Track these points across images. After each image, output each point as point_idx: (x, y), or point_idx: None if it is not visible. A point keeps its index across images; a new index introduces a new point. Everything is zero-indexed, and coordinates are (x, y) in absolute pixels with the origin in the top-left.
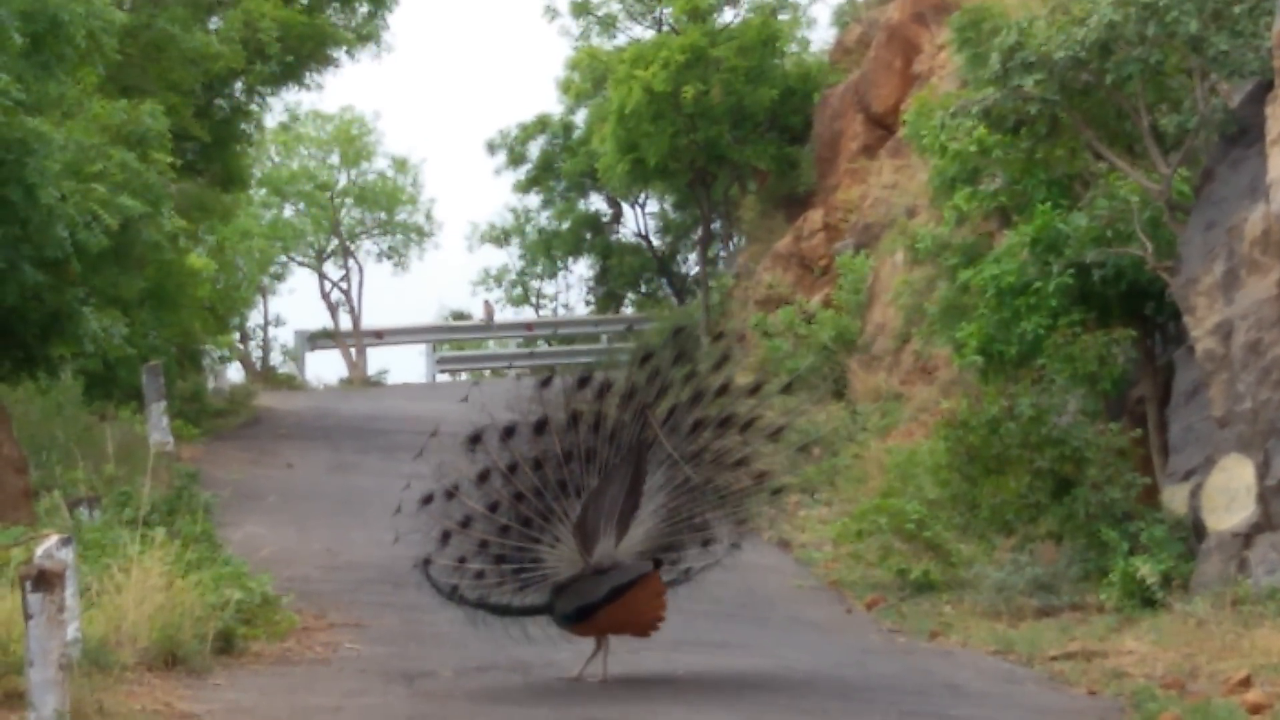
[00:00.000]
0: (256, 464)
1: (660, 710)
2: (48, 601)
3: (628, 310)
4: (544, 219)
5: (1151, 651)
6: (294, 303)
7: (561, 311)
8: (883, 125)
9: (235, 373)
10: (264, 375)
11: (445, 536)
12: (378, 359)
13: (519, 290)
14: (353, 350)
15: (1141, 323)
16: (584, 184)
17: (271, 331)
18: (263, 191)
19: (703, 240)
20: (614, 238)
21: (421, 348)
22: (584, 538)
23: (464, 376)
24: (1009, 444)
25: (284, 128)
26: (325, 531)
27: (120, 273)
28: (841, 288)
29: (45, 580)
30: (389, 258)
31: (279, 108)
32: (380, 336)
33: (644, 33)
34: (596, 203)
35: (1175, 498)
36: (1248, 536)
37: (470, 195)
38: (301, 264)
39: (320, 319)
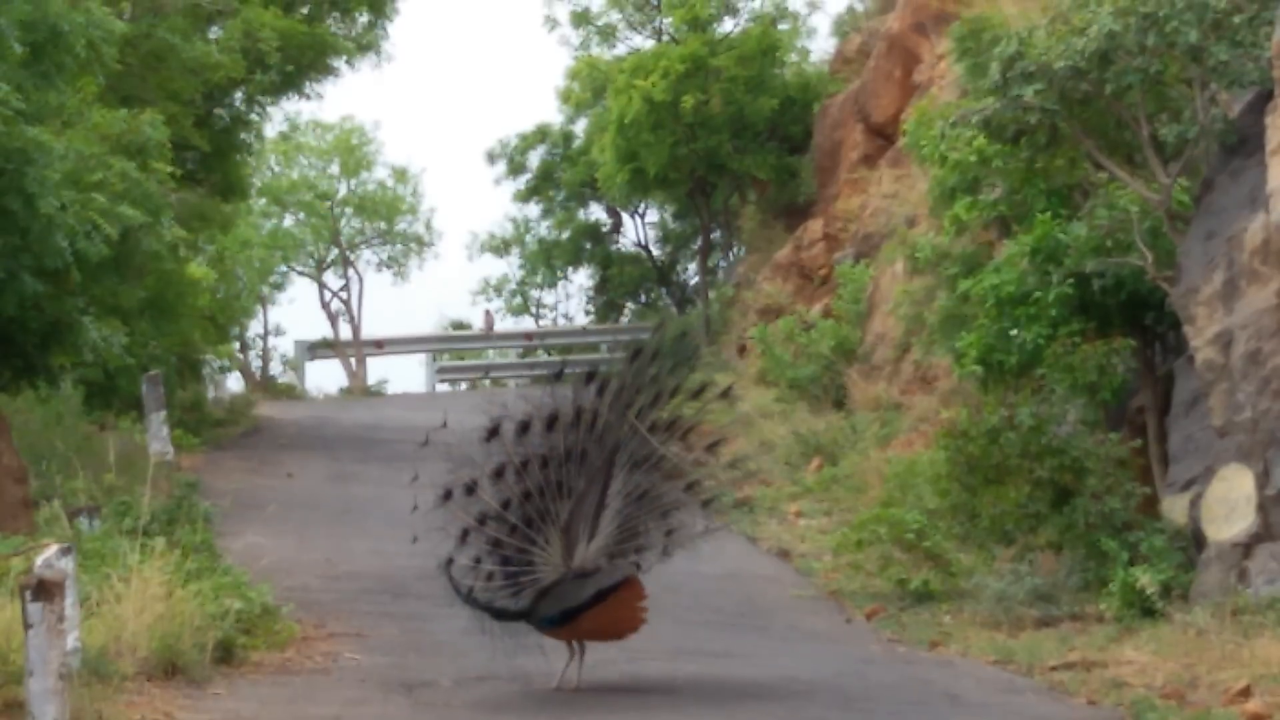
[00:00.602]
0: (256, 474)
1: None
2: (47, 611)
3: (627, 320)
4: (544, 229)
5: (1151, 661)
6: (294, 312)
7: (561, 321)
8: (883, 135)
9: (235, 382)
10: (264, 385)
11: (465, 534)
12: (377, 368)
13: (519, 300)
14: (352, 360)
15: (1141, 332)
16: (584, 194)
17: (271, 341)
18: (263, 201)
19: (702, 250)
20: (614, 247)
21: (421, 357)
22: (568, 541)
23: (464, 386)
24: (1009, 454)
25: (284, 137)
26: (325, 541)
27: (120, 282)
28: (841, 297)
29: (45, 590)
30: (389, 267)
31: (279, 117)
32: (380, 346)
33: (644, 42)
34: (596, 212)
35: (1175, 508)
36: (1247, 546)
37: (470, 205)
38: (301, 273)
39: (320, 329)
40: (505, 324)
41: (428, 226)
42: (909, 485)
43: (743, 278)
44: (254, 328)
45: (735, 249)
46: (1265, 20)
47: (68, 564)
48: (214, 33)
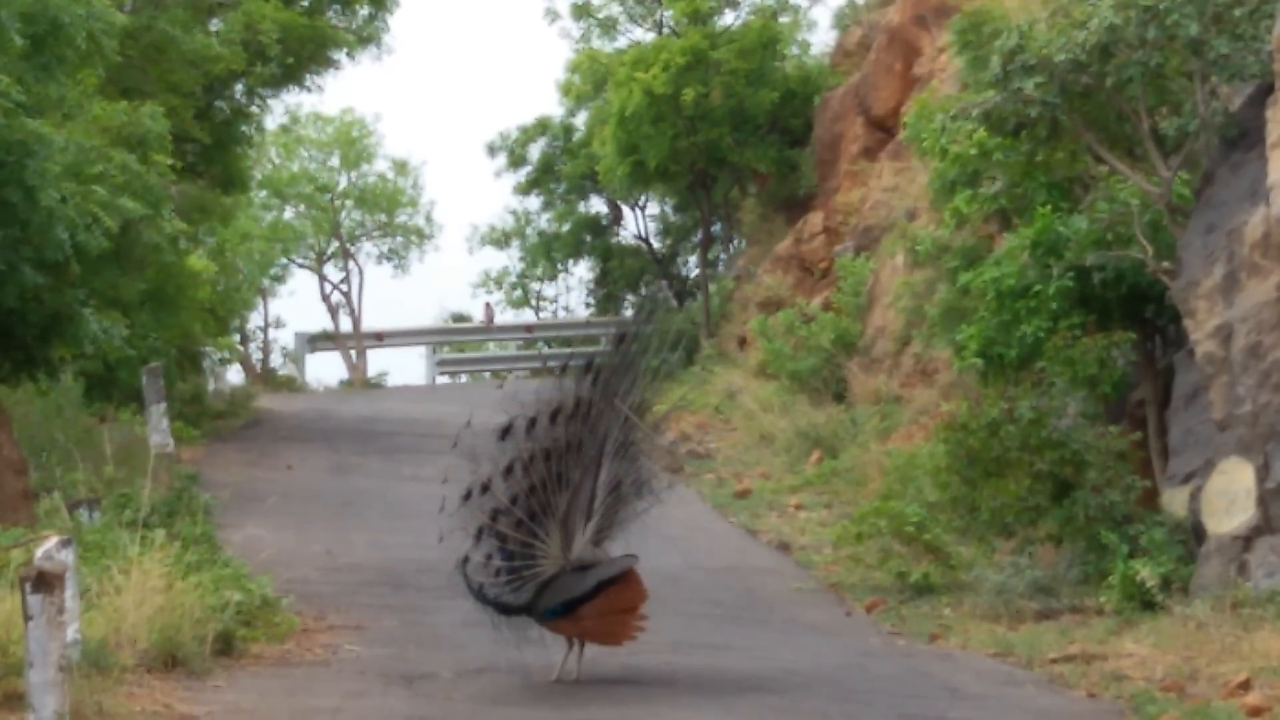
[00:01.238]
0: (256, 466)
1: (660, 712)
2: (47, 603)
3: (628, 313)
4: (544, 221)
5: (1151, 654)
6: (294, 305)
7: (562, 314)
8: (883, 128)
9: (235, 375)
10: (264, 377)
11: (480, 532)
12: (378, 361)
13: (519, 292)
14: (353, 352)
15: (1141, 326)
16: (584, 186)
17: (272, 333)
18: (263, 193)
19: (703, 243)
20: (614, 240)
21: (421, 350)
22: (566, 533)
23: (464, 379)
24: (1009, 447)
25: (284, 130)
26: (325, 533)
27: (120, 274)
28: (841, 290)
29: (45, 582)
30: (389, 260)
31: (279, 110)
32: (380, 339)
33: (644, 35)
34: (597, 205)
35: (1175, 501)
36: (1247, 540)
37: (470, 197)
38: (302, 266)
39: (320, 321)
40: (505, 317)
41: (428, 219)
42: (909, 478)
43: (743, 270)
44: (254, 320)
45: (735, 242)
46: (1266, 13)
47: (68, 556)
48: (214, 25)
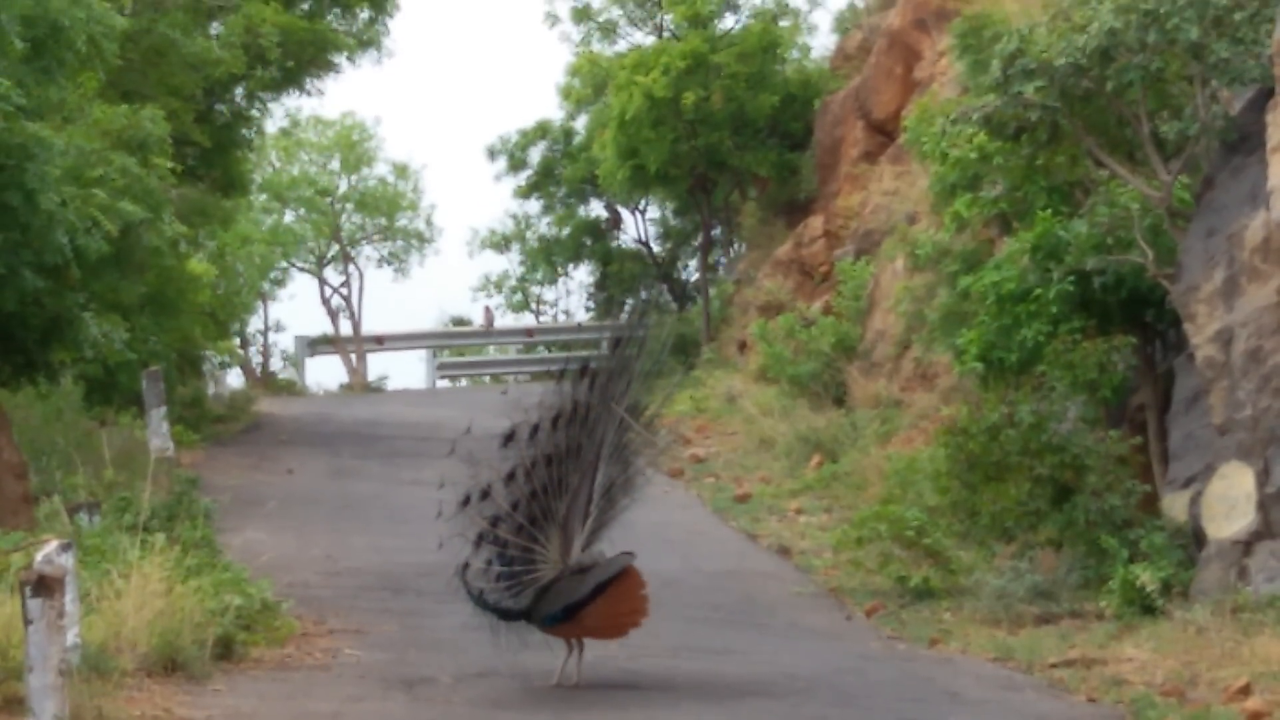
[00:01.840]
0: (256, 470)
1: (660, 716)
2: (47, 607)
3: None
4: (544, 225)
5: (1151, 659)
6: (294, 308)
7: (562, 318)
8: (883, 132)
9: (235, 378)
10: (264, 381)
11: (480, 538)
12: (378, 365)
13: (519, 296)
14: (353, 356)
15: (1142, 330)
16: (584, 190)
17: (272, 337)
18: (263, 197)
19: (703, 246)
20: (614, 244)
21: (422, 353)
22: (565, 537)
23: (464, 382)
24: (1009, 451)
25: (285, 133)
26: (325, 537)
27: (120, 278)
28: (842, 294)
29: (45, 586)
30: (389, 263)
31: (280, 113)
32: (380, 342)
33: (645, 39)
34: (597, 209)
35: (1175, 505)
36: (1248, 544)
37: (471, 201)
38: (302, 269)
39: (320, 325)
40: (505, 320)
41: (428, 223)
42: (909, 482)
43: (743, 274)
44: (254, 324)
45: (736, 246)
46: (1266, 17)
47: (68, 560)
48: (215, 28)
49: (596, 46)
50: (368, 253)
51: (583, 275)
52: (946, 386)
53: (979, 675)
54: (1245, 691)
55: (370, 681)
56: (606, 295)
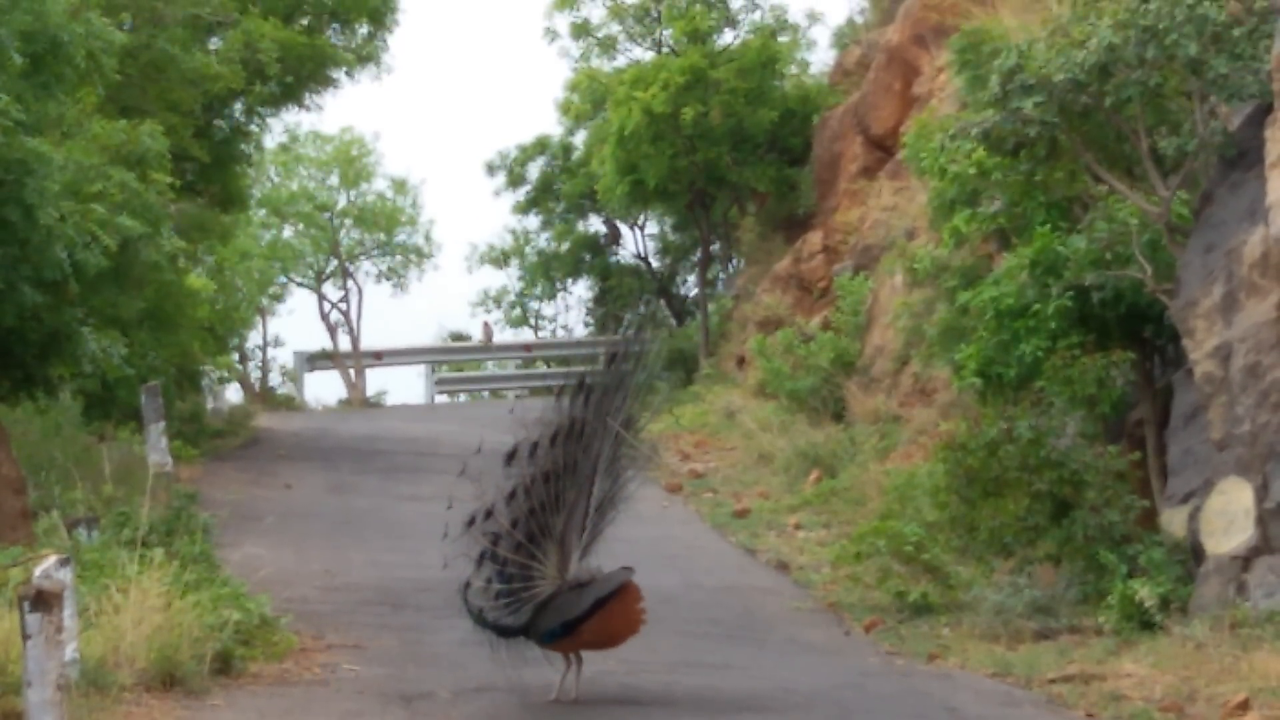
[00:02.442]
0: (255, 485)
1: None
2: (46, 622)
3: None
4: (543, 240)
5: (1150, 674)
6: (293, 324)
7: (560, 333)
8: (882, 147)
9: (234, 393)
10: (263, 396)
11: (481, 557)
12: (376, 380)
13: (518, 312)
14: (351, 371)
15: (1140, 345)
16: (583, 205)
17: (270, 352)
18: (262, 212)
19: (702, 262)
20: (613, 259)
21: (420, 369)
22: (562, 553)
23: (463, 398)
24: (1008, 466)
25: (283, 148)
26: (323, 552)
27: (119, 293)
28: (840, 310)
29: (43, 601)
30: (388, 279)
31: (278, 128)
32: (379, 357)
33: (644, 54)
34: (596, 224)
35: (1174, 520)
36: (1246, 559)
37: (469, 216)
38: (300, 285)
39: (319, 340)
40: (504, 336)
41: (427, 238)
42: (908, 498)
43: (742, 290)
44: (253, 339)
45: (734, 261)
46: (1264, 33)
47: (66, 575)
48: (214, 44)
49: (595, 62)
50: (366, 268)
51: (581, 290)
52: (945, 402)
53: (978, 690)
54: (1244, 707)
55: (369, 697)
56: (605, 310)
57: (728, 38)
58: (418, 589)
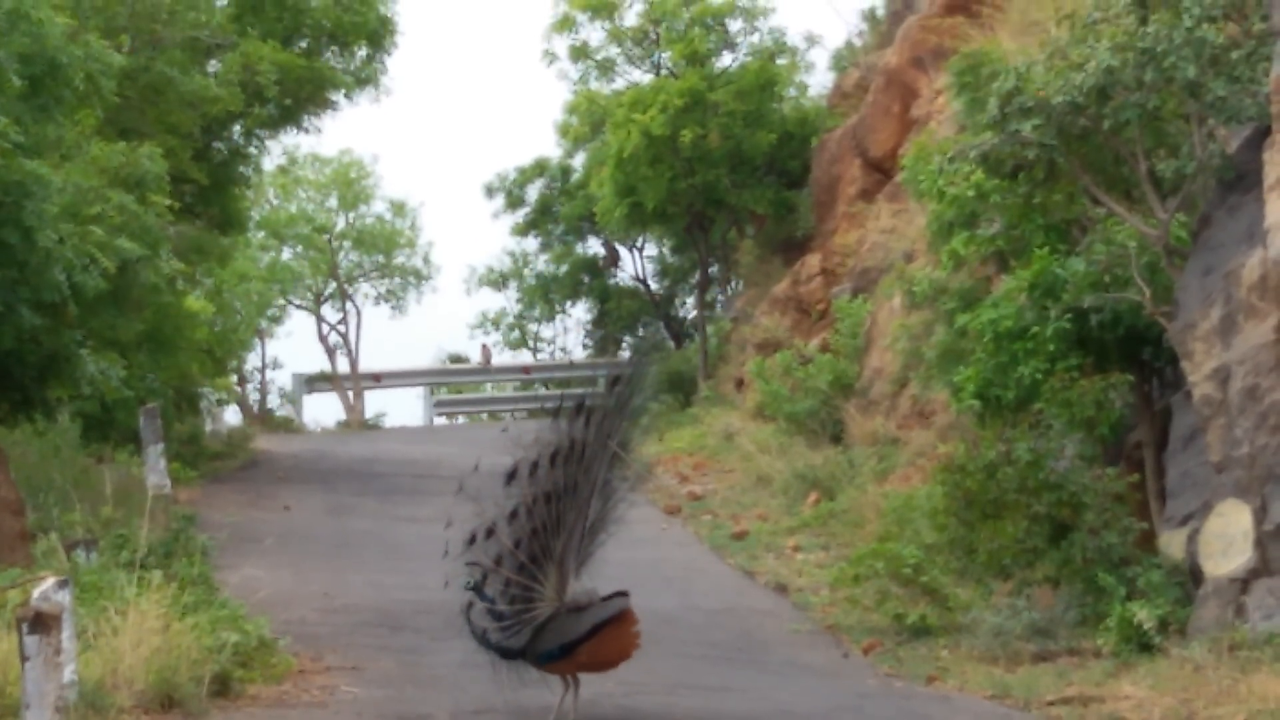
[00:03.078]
0: (254, 506)
1: None
2: (44, 644)
3: (625, 354)
4: (542, 262)
5: (1149, 696)
6: (292, 346)
7: (559, 355)
8: (880, 170)
9: (233, 415)
10: (261, 418)
11: (484, 577)
12: (375, 402)
13: (516, 334)
14: (350, 393)
15: (1139, 367)
16: (582, 228)
17: (269, 374)
18: (261, 234)
19: (700, 284)
20: (612, 282)
21: (419, 391)
22: (561, 575)
23: (461, 420)
24: (1006, 488)
25: (282, 171)
26: (322, 574)
27: (118, 315)
28: (839, 332)
29: (42, 622)
30: (387, 301)
31: (277, 151)
32: (378, 379)
33: (642, 77)
34: (595, 246)
35: (1172, 543)
36: (1245, 582)
37: (468, 239)
38: (299, 307)
39: (318, 362)
40: (503, 358)
41: (426, 260)
42: (906, 520)
43: (740, 312)
44: (252, 361)
45: (733, 283)
46: (1263, 56)
47: (65, 597)
48: (212, 66)
49: (594, 84)
50: (365, 290)
51: (580, 313)
52: (944, 424)
53: (976, 713)
54: None
55: (367, 718)
56: (604, 332)
57: (726, 60)
58: (416, 611)
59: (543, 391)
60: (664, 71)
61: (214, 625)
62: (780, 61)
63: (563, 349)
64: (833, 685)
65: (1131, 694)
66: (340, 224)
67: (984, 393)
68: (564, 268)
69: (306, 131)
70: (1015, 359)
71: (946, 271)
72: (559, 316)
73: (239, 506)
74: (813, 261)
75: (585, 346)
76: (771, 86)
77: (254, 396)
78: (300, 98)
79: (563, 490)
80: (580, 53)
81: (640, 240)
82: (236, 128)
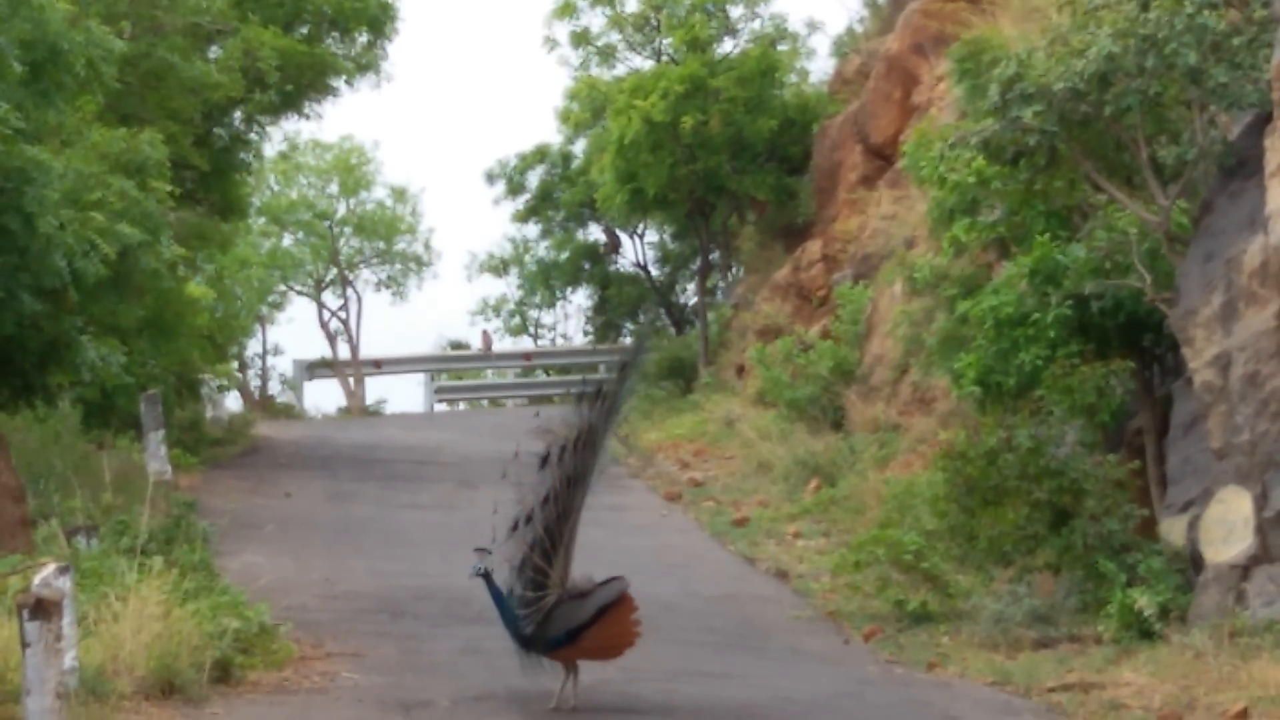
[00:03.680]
0: (254, 493)
1: None
2: (45, 630)
3: (626, 340)
4: (543, 249)
5: (1149, 683)
6: (292, 332)
7: (560, 341)
8: (881, 156)
9: (233, 402)
10: (262, 404)
11: (522, 564)
12: (376, 388)
13: (517, 320)
14: (351, 379)
15: (1140, 354)
16: (583, 214)
17: (270, 360)
18: (262, 220)
19: (701, 270)
20: (612, 268)
21: (419, 377)
22: (565, 560)
23: (462, 406)
24: (1007, 475)
25: (283, 157)
26: (323, 560)
27: (119, 301)
28: (840, 318)
29: (43, 609)
30: (387, 287)
31: (278, 137)
32: (378, 366)
33: (643, 63)
34: (595, 233)
35: (1173, 529)
36: (1245, 568)
37: (469, 225)
38: (300, 293)
39: (319, 348)
40: (504, 344)
41: (426, 246)
42: (907, 506)
43: (741, 298)
44: (252, 347)
45: (734, 269)
46: (1264, 42)
47: (65, 583)
48: (213, 52)
49: (595, 71)
50: (366, 276)
51: (581, 299)
52: (944, 411)
53: (977, 699)
54: (1243, 716)
55: (368, 705)
56: (604, 319)
57: (727, 46)
58: (417, 597)
59: (543, 378)
60: (665, 58)
61: (215, 612)
62: (781, 47)
63: (563, 335)
64: (833, 672)
65: (1132, 681)
66: (341, 210)
67: (985, 379)
68: (565, 254)
69: (307, 117)
70: (1016, 345)
71: (947, 258)
72: (560, 303)
73: (240, 493)
74: (814, 248)
75: (586, 333)
76: (773, 72)
77: (255, 383)
78: (301, 84)
79: (575, 477)
80: (581, 39)
81: (641, 226)
82: (237, 114)
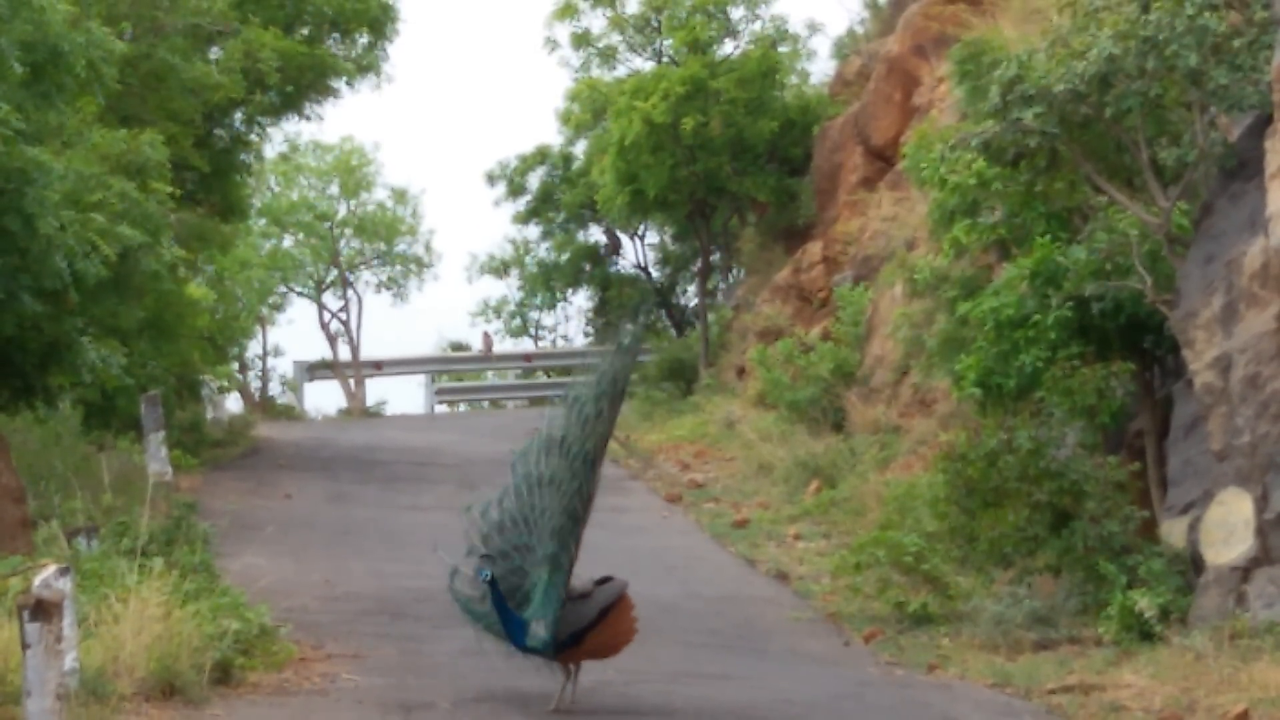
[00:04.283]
0: (255, 494)
1: None
2: (45, 631)
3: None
4: (543, 250)
5: (1149, 685)
6: (293, 333)
7: (560, 343)
8: (882, 158)
9: (234, 403)
10: (263, 406)
11: (571, 565)
12: (376, 390)
13: (518, 321)
14: (351, 381)
15: (1140, 356)
16: (583, 215)
17: (270, 362)
18: (262, 222)
19: (702, 272)
20: (613, 269)
21: (420, 379)
22: (571, 561)
23: (463, 408)
24: (1007, 477)
25: (284, 158)
26: (323, 562)
27: (119, 303)
28: (840, 320)
29: (43, 610)
30: (388, 288)
31: (279, 138)
32: (379, 367)
33: (644, 64)
34: (596, 234)
35: (1174, 531)
36: (1246, 570)
37: (469, 226)
38: (300, 294)
39: (319, 349)
40: (504, 345)
41: (427, 248)
42: (907, 508)
43: (742, 300)
44: (253, 348)
45: (734, 271)
46: (1265, 44)
47: (66, 584)
48: (214, 53)
49: (596, 72)
50: (366, 278)
51: (582, 300)
52: (945, 412)
53: (977, 701)
54: (1243, 718)
55: (368, 707)
56: (605, 320)
57: (728, 48)
58: (417, 599)
59: (544, 379)
60: (665, 59)
61: (215, 613)
62: (782, 49)
63: (564, 337)
64: (834, 673)
65: (1132, 682)
66: (342, 211)
67: (985, 381)
68: (565, 255)
69: (308, 119)
70: (1016, 347)
71: (948, 259)
72: (560, 304)
73: (240, 494)
74: (814, 249)
75: (587, 334)
76: (773, 74)
77: (255, 384)
78: (302, 85)
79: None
80: (582, 40)
81: (642, 228)
82: (238, 115)
